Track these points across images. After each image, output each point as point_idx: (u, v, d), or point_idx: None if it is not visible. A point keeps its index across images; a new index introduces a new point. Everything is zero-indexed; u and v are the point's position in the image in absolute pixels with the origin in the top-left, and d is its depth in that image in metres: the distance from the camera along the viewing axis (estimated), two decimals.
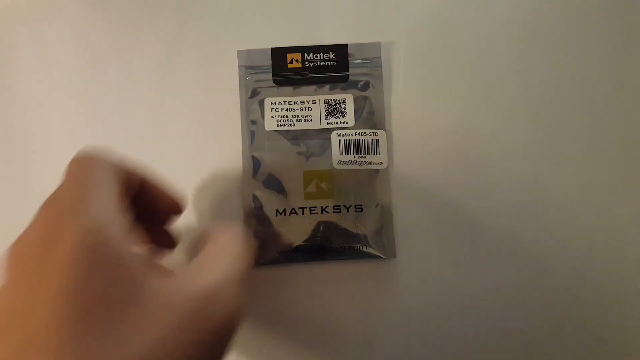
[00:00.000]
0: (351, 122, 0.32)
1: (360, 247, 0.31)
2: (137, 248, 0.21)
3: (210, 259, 0.22)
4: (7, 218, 0.33)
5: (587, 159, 0.33)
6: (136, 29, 0.35)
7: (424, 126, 0.33)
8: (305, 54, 0.33)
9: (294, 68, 0.33)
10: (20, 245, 0.20)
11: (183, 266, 0.22)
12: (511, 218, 0.32)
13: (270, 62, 0.33)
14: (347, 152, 0.32)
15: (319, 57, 0.33)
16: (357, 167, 0.32)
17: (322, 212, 0.31)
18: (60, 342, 0.16)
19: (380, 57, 0.33)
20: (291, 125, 0.32)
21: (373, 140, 0.32)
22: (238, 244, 0.23)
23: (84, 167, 0.21)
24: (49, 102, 0.35)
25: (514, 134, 0.33)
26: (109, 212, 0.20)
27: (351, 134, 0.32)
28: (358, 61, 0.33)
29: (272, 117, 0.32)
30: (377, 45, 0.33)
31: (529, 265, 0.32)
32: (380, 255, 0.31)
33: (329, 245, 0.31)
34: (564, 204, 0.33)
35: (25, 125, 0.35)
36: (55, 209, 0.20)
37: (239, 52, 0.33)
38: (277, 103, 0.32)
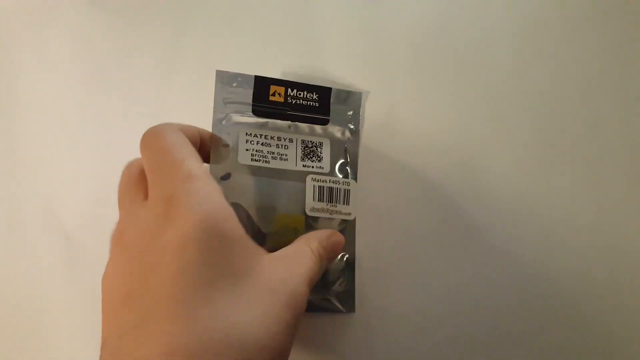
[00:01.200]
0: (326, 168, 0.32)
1: (320, 299, 0.30)
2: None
3: (299, 254, 0.25)
4: (7, 218, 0.32)
5: (586, 160, 0.33)
6: (136, 30, 0.34)
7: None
8: (289, 90, 0.31)
9: (276, 102, 0.31)
10: (123, 231, 0.22)
11: (270, 253, 0.24)
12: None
13: (251, 90, 0.31)
14: (320, 199, 0.31)
15: (302, 95, 0.32)
16: (327, 215, 0.31)
17: None
18: (182, 310, 0.18)
19: (360, 106, 0.34)
20: (266, 161, 0.30)
21: (345, 190, 0.32)
22: (321, 251, 0.26)
23: (161, 138, 0.23)
24: (49, 102, 0.34)
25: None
26: (216, 191, 0.22)
27: (325, 181, 0.31)
28: (340, 107, 0.33)
29: (247, 149, 0.30)
30: (359, 96, 0.33)
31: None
32: (341, 309, 0.30)
33: None
34: (561, 207, 0.33)
35: (26, 125, 0.34)
36: (162, 193, 0.21)
37: (218, 72, 0.31)
38: (252, 135, 0.30)
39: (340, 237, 0.29)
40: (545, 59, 0.36)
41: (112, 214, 0.36)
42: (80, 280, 0.33)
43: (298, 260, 0.24)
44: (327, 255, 0.27)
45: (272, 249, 0.26)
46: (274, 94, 0.31)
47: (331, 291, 0.31)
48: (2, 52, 0.35)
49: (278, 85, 0.31)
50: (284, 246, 0.27)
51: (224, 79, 0.30)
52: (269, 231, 0.30)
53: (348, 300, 0.31)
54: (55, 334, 0.33)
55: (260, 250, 0.24)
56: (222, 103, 0.31)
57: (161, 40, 0.34)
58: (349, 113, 0.33)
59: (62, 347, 0.32)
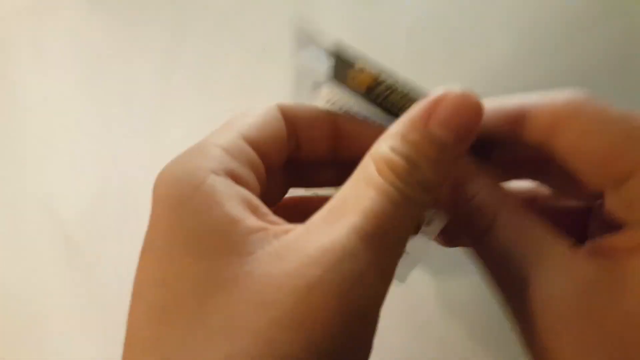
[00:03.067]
0: None
1: None
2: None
3: (341, 209, 0.14)
4: (7, 217, 0.32)
5: None
6: (136, 30, 0.34)
7: None
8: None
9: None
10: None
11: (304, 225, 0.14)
12: None
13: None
14: None
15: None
16: None
17: None
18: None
19: None
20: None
21: None
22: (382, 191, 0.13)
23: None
24: (49, 103, 0.33)
25: None
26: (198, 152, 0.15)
27: None
28: None
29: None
30: None
31: None
32: None
33: None
34: None
35: (25, 125, 0.34)
36: None
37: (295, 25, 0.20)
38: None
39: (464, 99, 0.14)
40: (545, 58, 0.36)
41: (111, 214, 0.36)
42: (78, 279, 0.33)
43: (345, 209, 0.14)
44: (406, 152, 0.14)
45: None
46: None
47: None
48: (2, 53, 0.35)
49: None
50: None
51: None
52: None
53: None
54: (54, 332, 0.33)
55: (265, 231, 0.14)
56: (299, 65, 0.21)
57: (160, 40, 0.34)
58: None
59: (61, 345, 0.32)
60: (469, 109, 0.14)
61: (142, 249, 0.14)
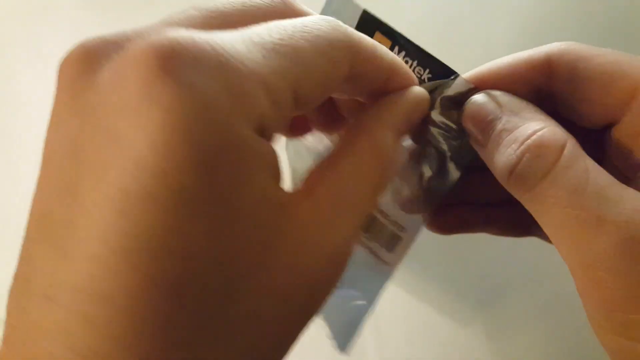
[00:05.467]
0: None
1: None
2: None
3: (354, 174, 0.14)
4: (5, 218, 0.33)
5: None
6: (133, 26, 0.34)
7: None
8: (397, 49, 0.20)
9: None
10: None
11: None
12: None
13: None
14: None
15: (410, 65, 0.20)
16: None
17: None
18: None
19: None
20: None
21: None
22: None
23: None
24: (46, 100, 0.33)
25: None
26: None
27: None
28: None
29: None
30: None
31: None
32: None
33: None
34: None
35: (22, 123, 0.34)
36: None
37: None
38: None
39: (418, 95, 0.17)
40: None
41: None
42: None
43: (347, 203, 0.14)
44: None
45: None
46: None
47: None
48: (2, 53, 0.35)
49: (385, 37, 0.20)
50: None
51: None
52: None
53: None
54: None
55: (288, 201, 0.13)
56: None
57: None
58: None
59: None
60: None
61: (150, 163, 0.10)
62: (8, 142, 0.34)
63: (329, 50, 0.13)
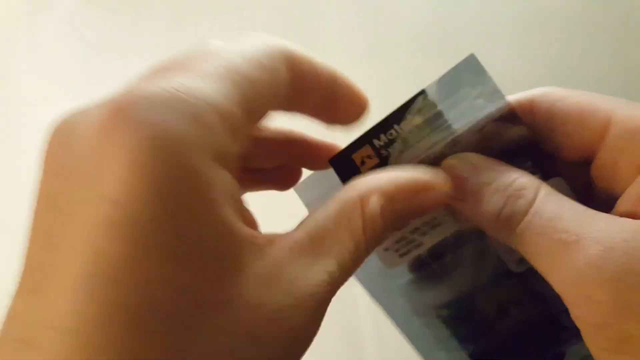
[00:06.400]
0: None
1: None
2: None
3: (326, 233, 0.14)
4: (4, 217, 0.33)
5: None
6: (132, 26, 0.34)
7: None
8: (375, 141, 0.18)
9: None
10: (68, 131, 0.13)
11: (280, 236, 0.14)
12: None
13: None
14: None
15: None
16: None
17: None
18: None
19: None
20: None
21: None
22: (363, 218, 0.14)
23: None
24: (45, 98, 0.34)
25: None
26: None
27: None
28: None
29: None
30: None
31: None
32: None
33: None
34: None
35: (21, 121, 0.34)
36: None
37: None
38: None
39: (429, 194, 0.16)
40: (547, 57, 0.36)
41: None
42: None
43: (324, 248, 0.14)
44: (393, 223, 0.15)
45: None
46: (362, 163, 0.19)
47: None
48: (1, 53, 0.35)
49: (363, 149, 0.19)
50: None
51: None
52: None
53: None
54: None
55: (254, 242, 0.13)
56: None
57: (157, 35, 0.35)
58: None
59: None
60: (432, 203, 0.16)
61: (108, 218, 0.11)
62: (8, 142, 0.34)
63: (264, 60, 0.14)
